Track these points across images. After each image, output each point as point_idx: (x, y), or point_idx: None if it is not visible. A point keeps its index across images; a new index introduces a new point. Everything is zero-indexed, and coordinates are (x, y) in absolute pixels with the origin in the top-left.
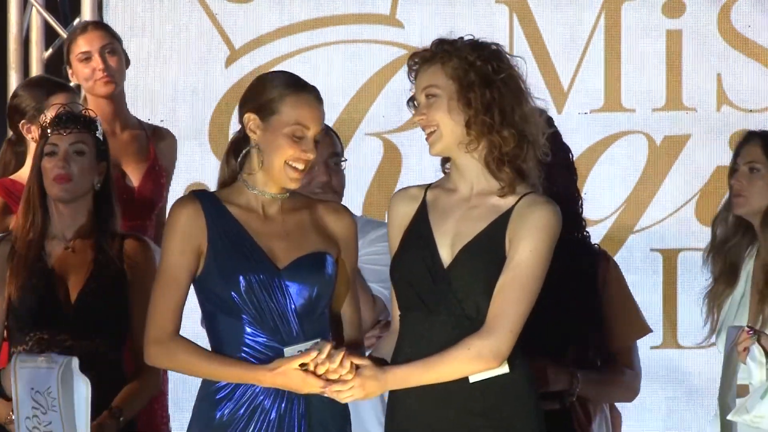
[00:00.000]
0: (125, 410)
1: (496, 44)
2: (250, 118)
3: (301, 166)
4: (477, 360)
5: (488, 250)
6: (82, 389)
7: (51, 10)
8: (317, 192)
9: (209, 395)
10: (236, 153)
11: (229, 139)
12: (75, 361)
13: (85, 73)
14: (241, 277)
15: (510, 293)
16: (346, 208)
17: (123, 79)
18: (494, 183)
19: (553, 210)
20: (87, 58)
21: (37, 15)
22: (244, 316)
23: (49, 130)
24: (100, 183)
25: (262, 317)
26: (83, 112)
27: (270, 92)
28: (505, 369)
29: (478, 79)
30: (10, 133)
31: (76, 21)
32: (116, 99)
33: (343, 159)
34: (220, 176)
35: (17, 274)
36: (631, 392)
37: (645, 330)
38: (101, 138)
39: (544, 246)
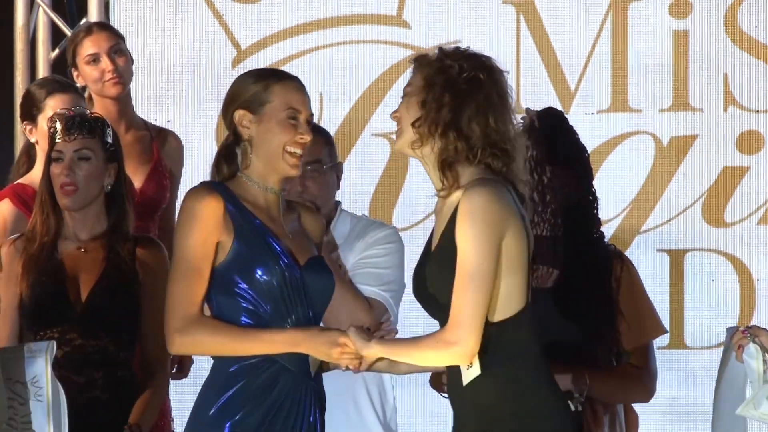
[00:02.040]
0: (143, 425)
1: (488, 57)
2: (241, 114)
3: (299, 151)
4: (438, 350)
5: (447, 249)
6: (61, 388)
7: (57, 10)
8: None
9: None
10: (228, 158)
11: (218, 147)
12: (53, 345)
13: (94, 75)
14: (271, 270)
15: (457, 285)
16: (318, 210)
17: (131, 78)
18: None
19: (474, 192)
20: (95, 60)
21: (44, 15)
22: (266, 307)
23: (56, 137)
24: (110, 185)
25: (287, 310)
26: (90, 115)
27: (254, 86)
28: (475, 371)
29: (441, 82)
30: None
31: (83, 21)
32: (123, 100)
33: (326, 165)
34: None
35: (28, 272)
36: (646, 392)
37: (659, 330)
38: (110, 140)
39: (474, 229)
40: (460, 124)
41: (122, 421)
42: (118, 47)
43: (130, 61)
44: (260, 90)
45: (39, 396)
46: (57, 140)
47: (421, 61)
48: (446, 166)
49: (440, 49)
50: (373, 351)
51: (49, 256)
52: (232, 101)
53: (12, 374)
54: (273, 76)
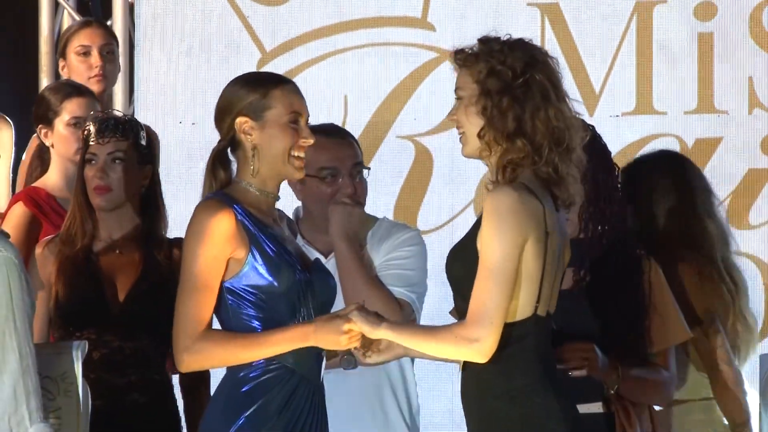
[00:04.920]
0: None
1: (532, 44)
2: (242, 121)
3: (302, 154)
4: (456, 346)
5: (467, 240)
6: (88, 390)
7: (82, 13)
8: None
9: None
10: (223, 163)
11: (212, 153)
12: (84, 345)
13: (81, 67)
14: (290, 278)
15: (478, 282)
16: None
17: (114, 81)
18: None
19: (501, 191)
20: (86, 52)
21: (69, 18)
22: (282, 315)
23: (90, 139)
24: (145, 187)
25: (301, 316)
26: (124, 117)
27: (251, 93)
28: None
29: (496, 86)
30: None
31: (108, 23)
32: (103, 99)
33: (366, 167)
34: (207, 189)
35: (64, 273)
36: (666, 394)
37: (684, 335)
38: (143, 143)
39: (493, 229)
40: (525, 128)
41: (160, 425)
42: (110, 48)
43: (117, 65)
44: (259, 96)
45: (68, 392)
46: (91, 143)
47: (464, 60)
48: (509, 169)
49: (480, 42)
50: (382, 333)
51: (85, 257)
52: (230, 109)
53: (42, 370)
54: (270, 81)
